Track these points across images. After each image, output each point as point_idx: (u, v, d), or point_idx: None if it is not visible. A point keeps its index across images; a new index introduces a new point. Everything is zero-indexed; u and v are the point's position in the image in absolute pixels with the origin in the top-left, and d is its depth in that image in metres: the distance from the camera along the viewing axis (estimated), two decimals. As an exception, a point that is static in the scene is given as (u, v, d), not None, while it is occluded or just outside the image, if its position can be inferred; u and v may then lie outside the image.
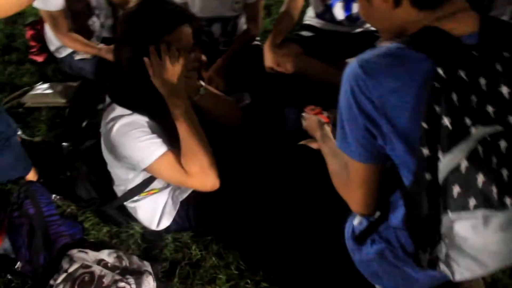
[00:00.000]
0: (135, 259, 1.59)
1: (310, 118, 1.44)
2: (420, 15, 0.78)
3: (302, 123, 1.48)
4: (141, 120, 1.33)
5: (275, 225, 1.45)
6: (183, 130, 1.30)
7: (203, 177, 1.32)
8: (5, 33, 3.08)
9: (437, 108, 0.69)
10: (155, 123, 1.36)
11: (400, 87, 0.73)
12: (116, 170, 1.51)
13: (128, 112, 1.33)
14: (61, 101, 2.33)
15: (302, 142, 1.55)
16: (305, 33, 2.17)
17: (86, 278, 1.47)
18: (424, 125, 0.70)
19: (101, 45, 2.23)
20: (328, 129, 1.35)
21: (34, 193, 1.64)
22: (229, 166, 1.58)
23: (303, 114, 1.49)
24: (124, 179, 1.51)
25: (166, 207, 1.56)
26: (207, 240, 1.65)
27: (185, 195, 1.55)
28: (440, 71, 0.70)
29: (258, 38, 2.30)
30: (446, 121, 0.68)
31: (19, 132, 2.21)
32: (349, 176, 0.88)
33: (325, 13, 2.11)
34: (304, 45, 2.07)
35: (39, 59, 2.70)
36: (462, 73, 0.70)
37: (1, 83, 2.60)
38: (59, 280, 1.50)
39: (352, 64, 0.79)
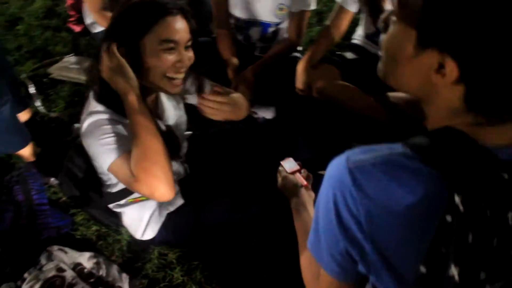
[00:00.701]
0: (114, 269, 1.50)
1: (286, 178, 1.26)
2: (469, 114, 0.57)
3: (277, 179, 1.31)
4: (111, 119, 1.20)
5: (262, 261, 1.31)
6: (132, 129, 1.15)
7: (150, 183, 1.12)
8: (52, -5, 3.05)
9: (444, 250, 0.52)
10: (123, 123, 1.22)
11: (398, 211, 0.54)
12: (99, 170, 1.39)
13: (101, 108, 1.21)
14: (84, 78, 2.26)
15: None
16: (348, 55, 1.97)
17: (57, 282, 1.40)
18: (423, 269, 0.53)
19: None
20: (306, 195, 1.16)
21: (26, 179, 1.57)
22: (226, 183, 1.47)
23: (279, 168, 1.32)
24: (106, 179, 1.40)
25: (152, 217, 1.45)
26: (193, 265, 1.54)
27: (173, 208, 1.46)
28: (457, 199, 0.52)
29: (300, 48, 2.13)
30: (453, 270, 0.51)
31: (38, 104, 2.17)
32: (319, 282, 0.70)
33: (376, 35, 1.90)
34: (344, 69, 1.88)
35: (76, 29, 2.64)
36: (486, 206, 0.52)
37: (35, 49, 2.57)
38: (32, 276, 1.44)
39: (340, 162, 0.60)
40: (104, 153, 1.17)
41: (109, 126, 1.18)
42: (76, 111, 2.12)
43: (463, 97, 0.56)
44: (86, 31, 2.54)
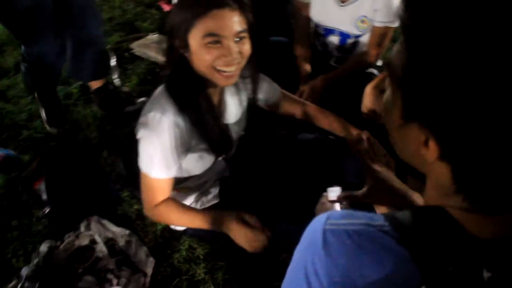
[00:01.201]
0: (142, 252, 1.55)
1: (324, 205, 1.22)
2: (460, 197, 0.51)
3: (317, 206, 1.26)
4: (174, 126, 1.21)
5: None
6: (186, 219, 1.33)
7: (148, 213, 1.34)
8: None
9: None
10: (185, 127, 1.24)
11: (361, 286, 0.49)
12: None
13: (169, 107, 1.21)
14: (161, 59, 2.33)
15: None
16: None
17: (87, 252, 1.48)
18: None
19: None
20: None
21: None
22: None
23: (324, 193, 1.25)
24: None
25: None
26: (217, 265, 1.54)
27: (209, 204, 1.47)
28: None
29: (379, 64, 2.01)
30: None
31: (115, 76, 2.28)
32: None
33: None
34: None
35: (166, 8, 2.73)
36: None
37: (124, 22, 2.70)
38: (69, 240, 1.53)
39: (320, 220, 0.56)
40: (149, 160, 1.23)
41: (169, 138, 1.21)
42: (146, 89, 2.21)
43: (451, 177, 0.51)
44: (174, 11, 2.62)
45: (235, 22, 1.14)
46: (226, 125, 1.39)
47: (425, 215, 0.53)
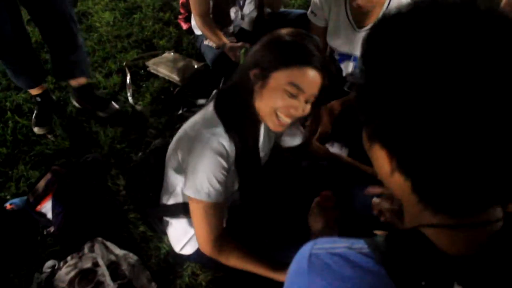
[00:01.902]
0: (144, 276, 1.53)
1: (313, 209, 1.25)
2: (430, 214, 0.56)
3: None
4: (225, 151, 1.22)
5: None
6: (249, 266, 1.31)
7: (206, 248, 1.29)
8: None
9: None
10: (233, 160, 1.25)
11: None
12: (171, 175, 1.42)
13: (220, 129, 1.22)
14: (175, 78, 2.34)
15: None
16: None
17: (89, 276, 1.46)
18: None
19: (228, 40, 2.13)
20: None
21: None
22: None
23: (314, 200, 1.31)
24: (172, 189, 1.42)
25: (195, 235, 1.44)
26: (220, 294, 1.51)
27: None
28: None
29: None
30: None
31: (129, 94, 2.29)
32: None
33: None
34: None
35: (184, 26, 2.74)
36: None
37: (142, 39, 2.72)
38: (72, 261, 1.52)
39: (307, 246, 0.61)
40: (194, 184, 1.21)
41: (219, 168, 1.20)
42: (158, 108, 2.21)
43: (412, 189, 0.56)
44: (191, 30, 2.63)
45: (318, 86, 1.19)
46: (259, 155, 1.38)
47: (399, 236, 0.58)
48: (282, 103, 1.17)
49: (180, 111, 2.15)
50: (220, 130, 1.21)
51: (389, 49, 0.50)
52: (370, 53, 0.54)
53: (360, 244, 0.57)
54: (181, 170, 1.31)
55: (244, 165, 1.28)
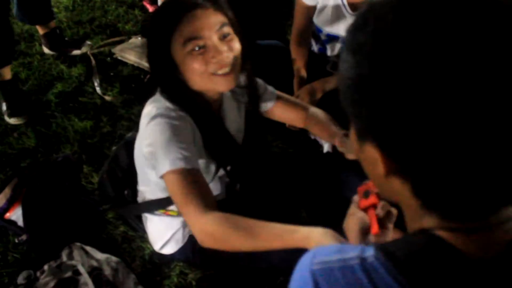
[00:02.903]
0: (131, 280, 1.45)
1: (353, 216, 0.94)
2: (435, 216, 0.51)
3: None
4: (181, 122, 1.12)
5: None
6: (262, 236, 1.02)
7: (201, 228, 1.05)
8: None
9: None
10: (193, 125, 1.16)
11: None
12: (143, 168, 1.30)
13: (170, 105, 1.13)
14: (145, 64, 2.20)
15: None
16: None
17: (70, 286, 1.36)
18: None
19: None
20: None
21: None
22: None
23: (354, 197, 0.98)
24: (147, 183, 1.33)
25: (176, 234, 1.36)
26: (211, 292, 1.44)
27: None
28: None
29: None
30: None
31: (96, 84, 2.15)
32: None
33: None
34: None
35: (150, 8, 2.60)
36: None
37: (106, 24, 2.56)
38: (49, 270, 1.42)
39: (306, 261, 0.53)
40: (166, 158, 1.06)
41: (180, 132, 1.09)
42: (129, 98, 2.08)
43: (413, 193, 0.50)
44: (157, 12, 2.50)
45: (211, 19, 1.07)
46: (228, 132, 1.29)
47: (413, 241, 0.51)
48: (199, 64, 1.06)
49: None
50: (168, 104, 1.12)
51: (389, 37, 0.45)
52: (363, 39, 0.48)
53: (370, 252, 0.50)
54: (151, 160, 1.17)
55: (212, 141, 1.20)
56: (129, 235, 1.60)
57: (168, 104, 1.13)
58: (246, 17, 1.57)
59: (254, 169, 1.47)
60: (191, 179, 1.06)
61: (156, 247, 1.40)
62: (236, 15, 1.16)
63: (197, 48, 1.05)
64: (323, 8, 1.73)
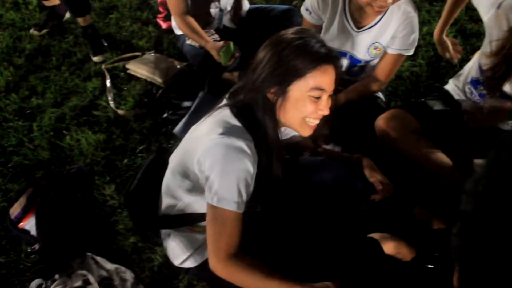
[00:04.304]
0: (139, 290, 1.46)
1: None
2: None
3: None
4: (250, 156, 1.14)
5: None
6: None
7: (219, 265, 1.15)
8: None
9: None
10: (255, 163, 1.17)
11: None
12: (177, 182, 1.31)
13: (241, 133, 1.15)
14: (158, 79, 2.26)
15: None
16: (435, 104, 1.75)
17: (80, 294, 1.38)
18: None
19: (211, 38, 2.06)
20: None
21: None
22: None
23: None
24: (176, 200, 1.33)
25: (198, 250, 1.36)
26: (219, 305, 1.44)
27: None
28: None
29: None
30: None
31: (110, 98, 2.20)
32: None
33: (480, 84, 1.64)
34: (426, 122, 1.68)
35: (163, 25, 2.65)
36: None
37: (120, 40, 2.62)
38: (60, 280, 1.44)
39: None
40: (222, 193, 1.11)
41: (245, 167, 1.12)
42: (141, 112, 2.12)
43: None
44: (171, 29, 2.54)
45: (335, 78, 1.17)
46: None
47: None
48: (310, 109, 1.15)
49: (165, 114, 2.08)
50: (244, 133, 1.14)
51: None
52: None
53: None
54: (202, 179, 1.19)
55: (268, 174, 1.21)
56: (139, 246, 1.62)
57: (238, 123, 1.15)
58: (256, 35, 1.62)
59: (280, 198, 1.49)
60: (232, 224, 1.14)
61: (176, 262, 1.38)
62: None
63: (317, 96, 1.14)
64: (329, 26, 1.77)
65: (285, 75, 1.12)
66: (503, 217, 0.44)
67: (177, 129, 1.97)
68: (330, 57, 1.14)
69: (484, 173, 0.48)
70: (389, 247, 1.35)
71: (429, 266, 1.38)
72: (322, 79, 1.14)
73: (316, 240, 1.49)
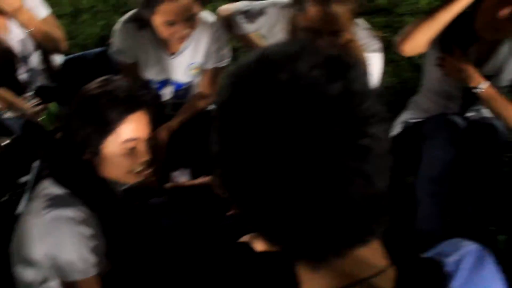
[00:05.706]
0: None
1: None
2: None
3: None
4: (83, 219, 1.11)
5: None
6: None
7: None
8: None
9: None
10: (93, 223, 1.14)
11: None
12: (24, 271, 1.19)
13: (67, 200, 1.11)
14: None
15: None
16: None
17: None
18: None
19: (30, 103, 1.94)
20: None
21: None
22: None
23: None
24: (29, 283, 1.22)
25: None
26: None
27: None
28: None
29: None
30: None
31: None
32: None
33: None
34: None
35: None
36: None
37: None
38: None
39: None
40: (78, 263, 1.06)
41: (87, 233, 1.10)
42: None
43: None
44: None
45: (148, 122, 1.18)
46: None
47: None
48: (128, 163, 1.14)
49: (6, 197, 1.89)
50: (70, 199, 1.11)
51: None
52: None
53: None
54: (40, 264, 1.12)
55: (110, 226, 1.19)
56: None
57: (62, 191, 1.11)
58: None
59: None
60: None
61: None
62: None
63: (131, 147, 1.14)
64: (145, 58, 1.84)
65: (94, 135, 1.11)
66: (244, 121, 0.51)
67: (21, 208, 1.81)
68: (137, 103, 1.15)
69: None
70: (259, 245, 1.42)
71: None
72: (133, 128, 1.13)
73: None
